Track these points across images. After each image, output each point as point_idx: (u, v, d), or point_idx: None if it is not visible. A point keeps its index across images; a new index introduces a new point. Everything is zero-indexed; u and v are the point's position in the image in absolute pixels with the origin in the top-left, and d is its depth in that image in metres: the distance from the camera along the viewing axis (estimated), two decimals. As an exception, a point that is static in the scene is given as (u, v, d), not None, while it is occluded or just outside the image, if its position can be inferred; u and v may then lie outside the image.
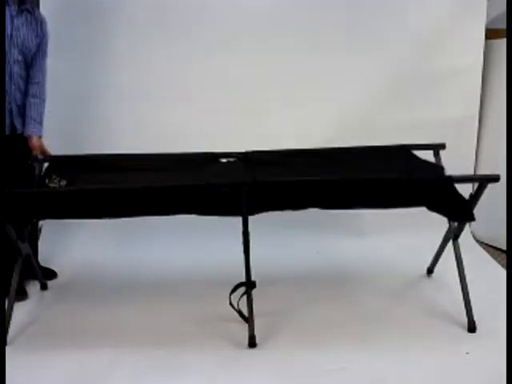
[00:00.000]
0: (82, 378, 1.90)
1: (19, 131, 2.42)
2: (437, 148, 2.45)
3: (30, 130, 2.43)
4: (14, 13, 2.26)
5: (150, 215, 2.18)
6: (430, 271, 2.69)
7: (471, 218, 2.09)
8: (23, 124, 2.42)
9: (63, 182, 2.24)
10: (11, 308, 2.15)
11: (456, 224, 2.31)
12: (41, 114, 2.46)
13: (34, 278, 2.57)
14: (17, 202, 2.01)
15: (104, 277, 2.74)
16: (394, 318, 2.28)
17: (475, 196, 2.10)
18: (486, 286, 2.48)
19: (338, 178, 2.11)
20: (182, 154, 2.47)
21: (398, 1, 3.08)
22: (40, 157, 2.40)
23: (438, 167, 2.36)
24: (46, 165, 2.41)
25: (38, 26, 2.38)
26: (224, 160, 2.47)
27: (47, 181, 2.27)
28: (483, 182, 2.06)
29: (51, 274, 2.68)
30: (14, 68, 2.31)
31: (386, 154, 2.48)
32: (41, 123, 2.46)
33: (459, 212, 2.09)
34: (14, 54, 2.28)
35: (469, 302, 2.17)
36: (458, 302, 2.25)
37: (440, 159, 2.43)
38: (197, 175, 2.30)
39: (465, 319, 2.18)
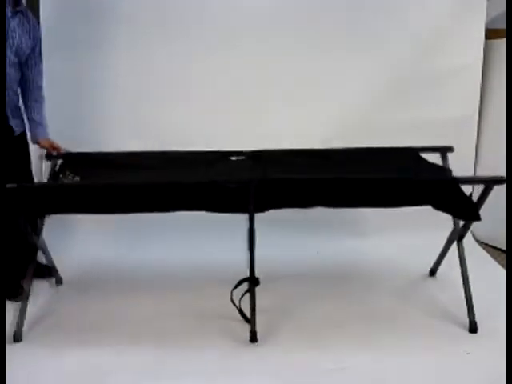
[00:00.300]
0: (82, 377, 1.90)
1: (16, 133, 2.41)
2: (444, 151, 2.46)
3: (37, 135, 2.47)
4: (10, 14, 2.25)
5: (160, 211, 2.21)
6: (432, 272, 2.69)
7: (477, 218, 2.09)
8: (19, 125, 2.42)
9: (77, 178, 2.30)
10: (25, 306, 2.18)
11: (461, 226, 2.31)
12: (44, 117, 2.49)
13: (39, 276, 2.56)
14: (29, 196, 2.07)
15: (105, 275, 2.75)
16: (394, 317, 2.29)
17: (481, 197, 2.11)
18: (486, 286, 2.48)
19: (346, 177, 2.13)
20: (193, 152, 2.51)
21: (398, 1, 3.08)
22: (54, 153, 2.47)
23: (445, 170, 2.36)
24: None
25: (31, 28, 2.36)
26: (234, 158, 2.50)
27: (61, 176, 2.34)
28: (489, 184, 2.07)
29: (48, 273, 2.66)
30: (9, 69, 2.30)
31: (394, 156, 2.50)
32: (44, 125, 2.49)
33: (465, 211, 2.10)
34: (9, 56, 2.27)
35: (471, 304, 2.18)
36: (459, 302, 2.26)
37: (447, 162, 2.44)
38: (207, 173, 2.32)
39: (465, 319, 2.19)
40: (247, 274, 2.12)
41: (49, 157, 2.48)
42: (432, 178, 2.19)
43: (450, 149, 2.46)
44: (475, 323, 2.15)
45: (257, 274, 2.11)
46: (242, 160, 2.49)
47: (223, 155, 2.51)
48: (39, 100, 2.48)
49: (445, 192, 2.08)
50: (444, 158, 2.45)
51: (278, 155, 2.51)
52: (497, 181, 2.05)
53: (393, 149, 2.52)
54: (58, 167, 2.43)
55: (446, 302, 2.40)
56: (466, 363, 1.97)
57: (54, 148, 2.49)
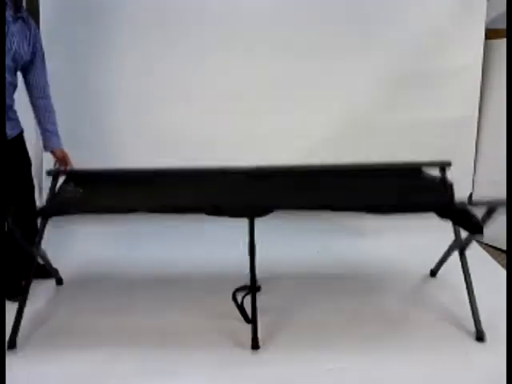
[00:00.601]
0: (82, 378, 1.91)
1: (10, 137, 2.39)
2: (443, 165, 2.44)
3: (51, 145, 2.48)
4: (10, 19, 2.24)
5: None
6: (433, 273, 2.69)
7: (480, 233, 2.09)
8: (15, 127, 2.41)
9: (80, 190, 2.34)
10: (22, 307, 2.17)
11: (464, 238, 2.31)
12: (56, 126, 2.49)
13: (39, 276, 2.56)
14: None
15: (105, 275, 2.75)
16: (394, 318, 2.29)
17: (485, 217, 2.10)
18: (485, 286, 2.47)
19: (349, 205, 2.16)
20: (194, 168, 2.47)
21: (398, 1, 3.08)
22: (61, 169, 2.49)
23: (446, 184, 2.35)
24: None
25: (32, 35, 2.34)
26: (234, 175, 2.44)
27: (65, 187, 2.38)
28: (493, 206, 2.06)
29: (47, 273, 2.66)
30: (5, 74, 2.29)
31: (395, 172, 2.48)
32: (58, 134, 2.49)
33: (469, 226, 2.10)
34: (6, 60, 2.26)
35: (476, 311, 2.16)
36: (459, 303, 2.26)
37: (446, 175, 2.41)
38: (207, 190, 2.32)
39: (465, 320, 2.19)
40: (248, 274, 2.11)
41: (50, 172, 2.44)
42: (434, 202, 2.19)
43: (448, 164, 2.43)
44: (482, 332, 2.12)
45: (257, 273, 2.11)
46: (242, 178, 2.44)
47: (223, 172, 2.46)
48: (49, 109, 2.47)
49: (447, 211, 2.09)
50: (442, 171, 2.41)
51: (281, 172, 2.47)
52: (501, 203, 2.04)
53: (394, 164, 2.50)
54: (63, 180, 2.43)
55: (446, 303, 2.40)
56: (466, 363, 1.97)
57: (64, 162, 2.49)
